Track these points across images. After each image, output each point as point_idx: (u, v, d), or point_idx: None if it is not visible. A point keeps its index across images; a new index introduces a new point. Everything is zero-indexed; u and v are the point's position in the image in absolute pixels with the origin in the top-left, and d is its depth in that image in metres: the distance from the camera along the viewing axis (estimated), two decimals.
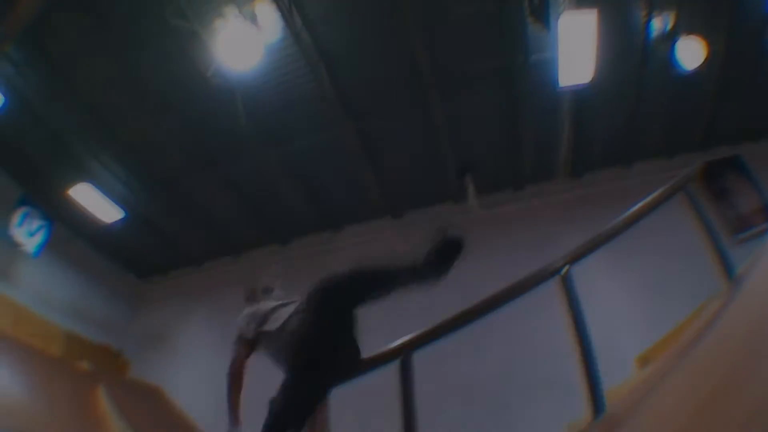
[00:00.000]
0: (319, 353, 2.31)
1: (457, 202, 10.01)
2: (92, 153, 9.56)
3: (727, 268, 3.28)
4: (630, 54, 8.04)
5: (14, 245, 10.50)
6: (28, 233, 10.68)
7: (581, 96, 8.32)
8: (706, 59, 7.87)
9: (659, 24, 7.78)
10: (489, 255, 8.28)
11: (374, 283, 2.41)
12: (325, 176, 9.57)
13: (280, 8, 7.03)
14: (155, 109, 8.74)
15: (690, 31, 7.75)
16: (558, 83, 7.76)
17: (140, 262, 13.17)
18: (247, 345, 2.76)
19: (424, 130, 9.13)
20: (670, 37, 7.83)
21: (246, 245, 11.37)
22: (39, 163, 10.13)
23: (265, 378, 2.48)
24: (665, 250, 8.29)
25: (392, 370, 2.72)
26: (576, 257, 3.19)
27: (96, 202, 9.91)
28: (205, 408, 10.01)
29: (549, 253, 3.38)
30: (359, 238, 10.27)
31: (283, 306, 2.63)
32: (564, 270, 3.06)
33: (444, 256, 2.33)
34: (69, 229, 11.81)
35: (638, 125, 9.21)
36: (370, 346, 2.62)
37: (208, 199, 9.99)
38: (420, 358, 2.79)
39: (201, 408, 10.34)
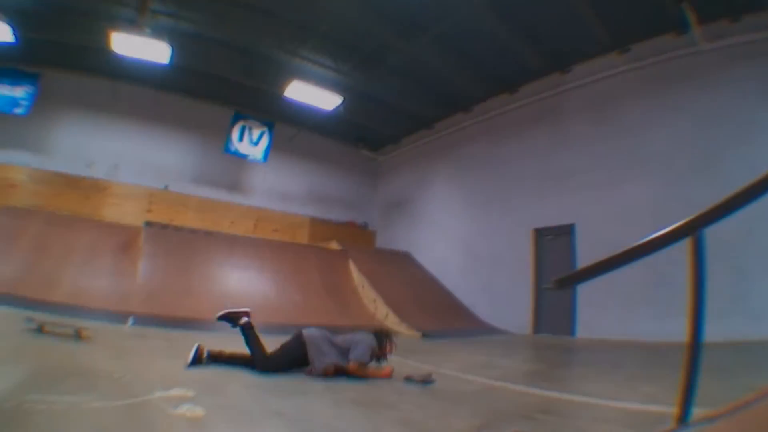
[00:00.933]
0: None
1: (680, 34, 7.57)
2: (291, 53, 9.33)
3: None
4: None
5: (241, 158, 11.68)
6: (251, 143, 11.61)
7: None
8: None
9: None
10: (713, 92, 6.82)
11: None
12: (543, 17, 7.88)
13: None
14: None
15: None
16: None
17: (370, 137, 13.51)
18: None
19: None
20: None
21: (474, 99, 10.65)
22: (242, 82, 10.49)
23: None
24: None
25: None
26: None
27: (312, 94, 9.91)
28: (450, 267, 10.88)
29: None
30: (589, 77, 8.70)
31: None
32: None
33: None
34: (291, 127, 12.54)
35: None
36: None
37: (424, 62, 9.21)
38: None
39: (446, 267, 10.91)
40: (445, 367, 4.52)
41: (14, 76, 9.36)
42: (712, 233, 1.98)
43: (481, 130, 10.90)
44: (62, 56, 9.74)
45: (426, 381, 3.70)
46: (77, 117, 10.38)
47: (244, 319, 4.10)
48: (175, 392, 2.75)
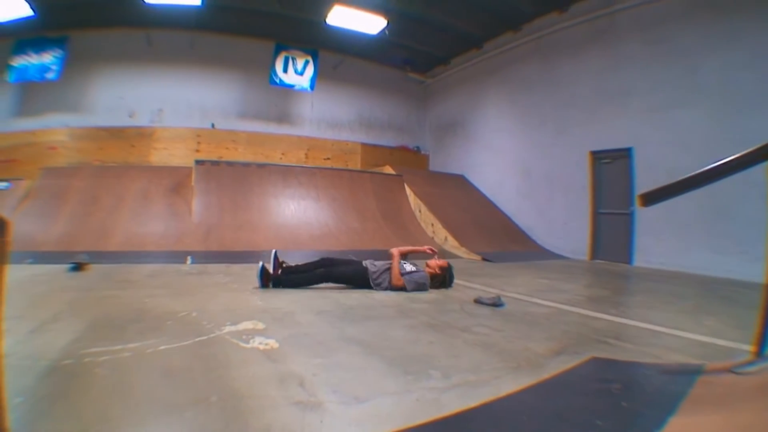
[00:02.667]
0: None
1: None
2: None
3: None
4: None
5: (288, 88, 11.59)
6: (296, 73, 11.48)
7: None
8: None
9: None
10: None
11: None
12: None
13: None
14: None
15: None
16: None
17: (417, 60, 13.04)
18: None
19: None
20: None
21: (524, 17, 9.90)
22: (280, 12, 10.13)
23: None
24: None
25: None
26: None
27: (355, 18, 9.50)
28: (505, 190, 10.77)
29: None
30: None
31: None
32: None
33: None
34: (336, 55, 12.24)
35: None
36: None
37: None
38: None
39: (502, 191, 10.83)
40: (511, 291, 4.70)
41: (40, 44, 9.54)
42: None
43: (532, 50, 10.20)
44: (87, 15, 9.71)
45: (496, 304, 3.89)
46: (112, 71, 10.49)
47: (278, 272, 4.48)
48: (245, 325, 2.83)
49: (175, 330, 2.71)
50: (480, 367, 2.33)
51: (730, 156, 2.01)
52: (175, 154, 10.62)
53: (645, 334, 3.14)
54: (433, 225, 9.31)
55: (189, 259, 6.21)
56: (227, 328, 2.79)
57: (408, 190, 10.39)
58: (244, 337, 2.63)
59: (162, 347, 2.38)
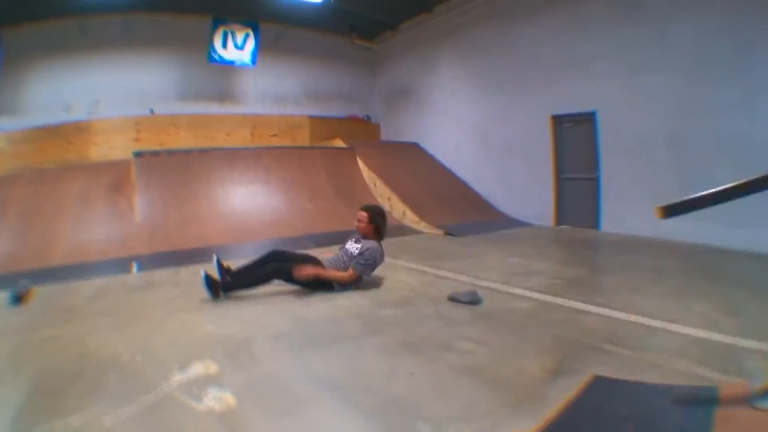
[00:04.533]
0: None
1: None
2: None
3: None
4: None
5: (228, 65, 10.57)
6: (236, 47, 10.47)
7: None
8: None
9: None
10: None
11: None
12: None
13: None
14: None
15: None
16: None
17: (363, 25, 12.12)
18: None
19: None
20: None
21: None
22: None
23: None
24: None
25: None
26: None
27: None
28: (463, 157, 10.34)
29: None
30: None
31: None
32: None
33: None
34: (278, 26, 11.22)
35: None
36: None
37: None
38: None
39: (459, 158, 10.44)
40: (484, 278, 4.39)
41: None
42: None
43: (488, 13, 9.61)
44: (18, 9, 8.47)
45: (473, 302, 3.56)
46: (46, 65, 9.26)
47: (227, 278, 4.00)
48: (196, 369, 2.45)
49: (118, 388, 2.30)
50: (474, 410, 1.98)
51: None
52: (116, 147, 9.49)
53: (638, 331, 2.90)
54: (389, 199, 8.84)
55: (135, 266, 5.57)
56: (176, 377, 2.37)
57: (361, 164, 9.82)
58: (195, 390, 2.22)
59: (107, 420, 1.98)
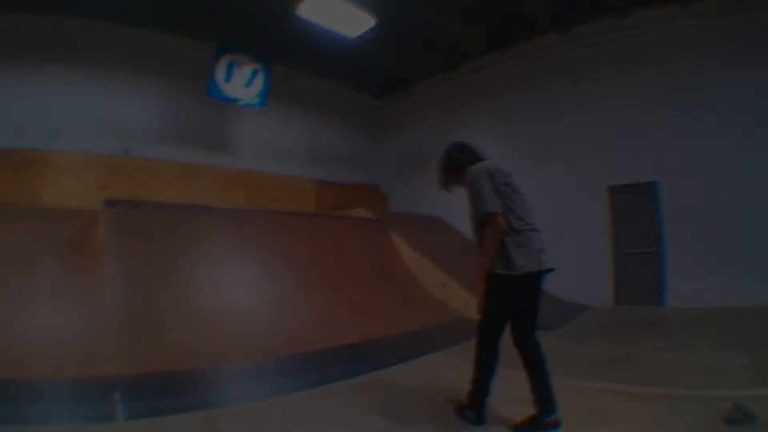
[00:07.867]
0: None
1: None
2: None
3: None
4: None
5: (229, 102, 9.13)
6: (242, 84, 9.19)
7: None
8: None
9: None
10: None
11: None
12: None
13: None
14: None
15: None
16: None
17: (378, 79, 11.23)
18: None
19: None
20: None
21: (516, 37, 9.23)
22: (230, 4, 7.98)
23: None
24: None
25: None
26: None
27: (335, 14, 7.49)
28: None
29: None
30: (652, 26, 7.85)
31: None
32: None
33: None
34: (290, 65, 10.06)
35: None
36: None
37: None
38: None
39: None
40: (700, 386, 3.12)
41: None
42: None
43: (522, 75, 9.46)
44: None
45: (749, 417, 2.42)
46: (2, 72, 7.32)
47: None
48: None
49: None
50: None
51: None
52: (74, 193, 7.26)
53: None
54: (445, 286, 7.21)
55: (120, 412, 2.86)
56: None
57: (398, 240, 8.24)
58: None
59: None
